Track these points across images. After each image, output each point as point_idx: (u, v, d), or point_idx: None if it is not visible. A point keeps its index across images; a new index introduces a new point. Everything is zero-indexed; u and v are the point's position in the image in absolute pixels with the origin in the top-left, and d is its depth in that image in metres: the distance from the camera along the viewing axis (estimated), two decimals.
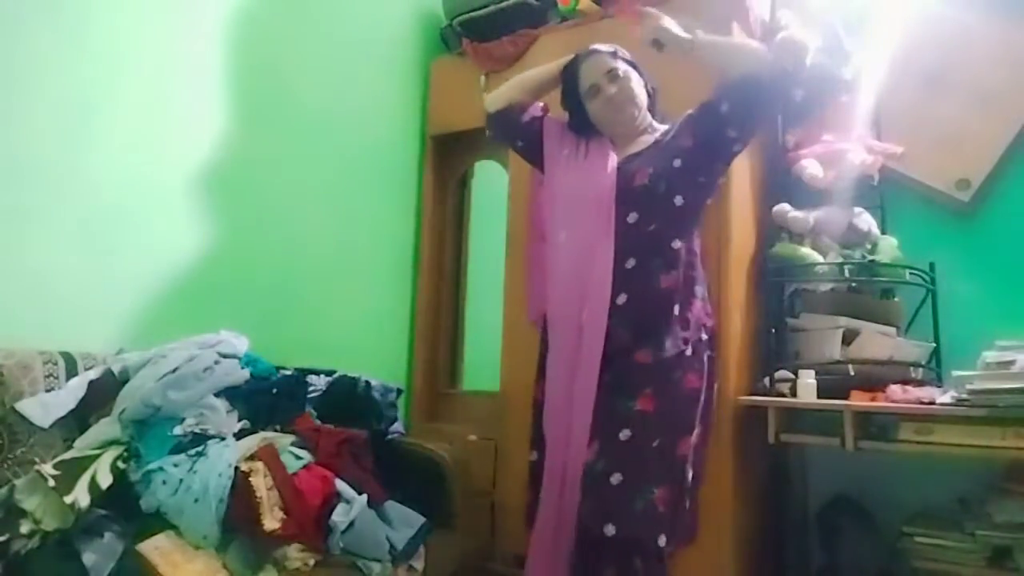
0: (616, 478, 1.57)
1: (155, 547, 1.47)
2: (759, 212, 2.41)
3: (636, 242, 1.68)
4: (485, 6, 2.80)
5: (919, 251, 2.33)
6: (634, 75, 1.83)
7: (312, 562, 1.59)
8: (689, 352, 1.69)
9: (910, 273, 2.29)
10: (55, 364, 1.68)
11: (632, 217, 1.69)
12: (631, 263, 1.68)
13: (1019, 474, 1.94)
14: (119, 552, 1.45)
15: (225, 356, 1.82)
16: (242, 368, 1.83)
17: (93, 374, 1.72)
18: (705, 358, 1.73)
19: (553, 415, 1.73)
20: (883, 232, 2.39)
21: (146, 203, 2.05)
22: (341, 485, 1.71)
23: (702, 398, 1.71)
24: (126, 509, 1.53)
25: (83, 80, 1.92)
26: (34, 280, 1.80)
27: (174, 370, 1.69)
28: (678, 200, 1.70)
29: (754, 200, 2.39)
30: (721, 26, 2.25)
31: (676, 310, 1.68)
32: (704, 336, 1.74)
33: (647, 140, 1.82)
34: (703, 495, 2.09)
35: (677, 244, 1.70)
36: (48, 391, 1.64)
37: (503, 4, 2.76)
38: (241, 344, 1.93)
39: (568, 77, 1.86)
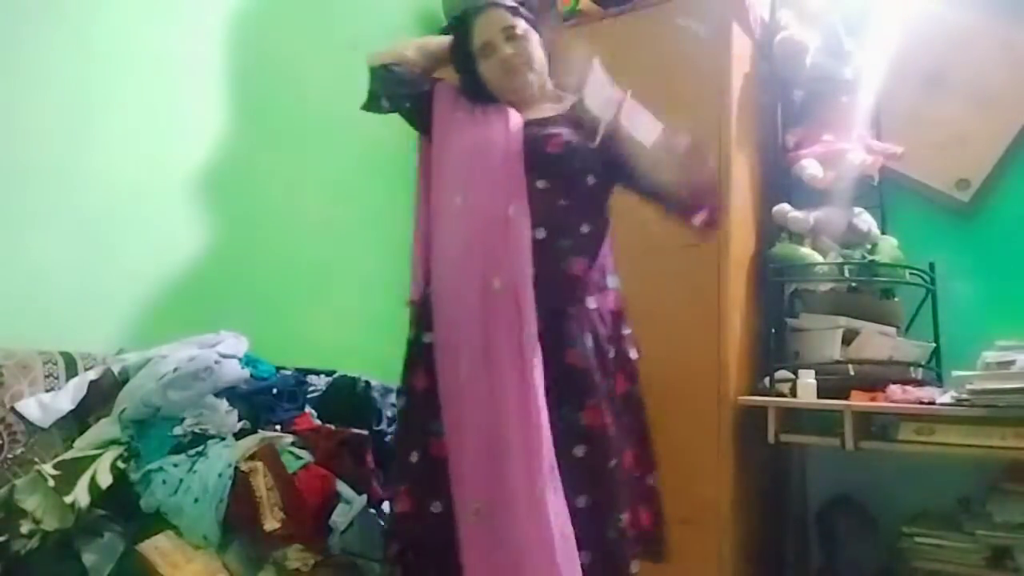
0: (583, 501, 1.41)
1: (155, 547, 1.47)
2: (759, 212, 2.41)
3: (546, 212, 1.48)
4: None
5: (919, 251, 2.33)
6: (534, 37, 1.63)
7: (312, 562, 1.59)
8: (613, 353, 1.53)
9: (910, 273, 2.29)
10: (55, 364, 1.68)
11: (542, 183, 1.50)
12: (541, 234, 1.47)
13: (1019, 474, 1.94)
14: (119, 552, 1.46)
15: (225, 356, 1.81)
16: (242, 368, 1.83)
17: (93, 374, 1.72)
18: (630, 356, 1.57)
19: (458, 409, 1.45)
20: (883, 232, 2.39)
21: (146, 203, 2.05)
22: (341, 485, 1.71)
23: (636, 401, 1.57)
24: (126, 509, 1.53)
25: (83, 80, 1.92)
26: (34, 280, 1.80)
27: (174, 370, 1.69)
28: (590, 179, 1.55)
29: (754, 200, 2.39)
30: (721, 26, 2.27)
31: (591, 303, 1.51)
32: (625, 331, 1.58)
33: (554, 108, 1.63)
34: (704, 494, 2.10)
35: (586, 228, 1.53)
36: (48, 391, 1.64)
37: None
38: (241, 344, 1.93)
39: (459, 30, 1.65)
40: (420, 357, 1.55)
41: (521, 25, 1.61)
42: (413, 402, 1.55)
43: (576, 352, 1.47)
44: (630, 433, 1.54)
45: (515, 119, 1.57)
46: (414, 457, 1.51)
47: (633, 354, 1.58)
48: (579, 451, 1.43)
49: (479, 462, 1.41)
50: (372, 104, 1.70)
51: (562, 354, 1.45)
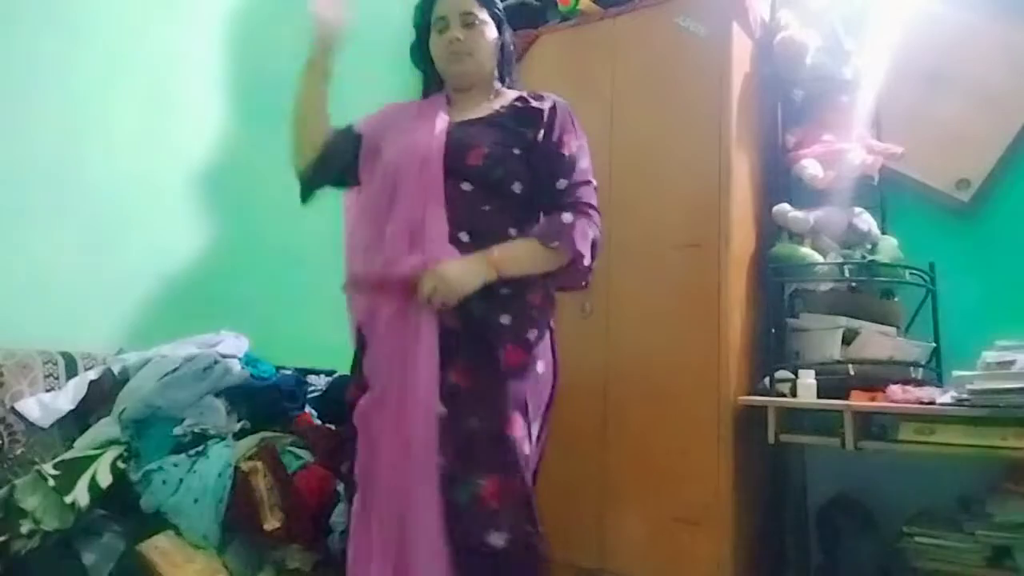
0: (439, 461, 1.37)
1: (155, 547, 1.47)
2: (759, 212, 2.41)
3: (470, 215, 1.48)
4: None
5: (919, 251, 2.33)
6: (491, 31, 1.61)
7: (312, 562, 1.59)
8: (507, 321, 1.47)
9: (910, 273, 2.29)
10: (55, 364, 1.69)
11: (466, 186, 1.50)
12: (464, 237, 1.46)
13: (1019, 474, 1.94)
14: (119, 552, 1.46)
15: (225, 356, 1.82)
16: (242, 368, 1.83)
17: (93, 374, 1.72)
18: (533, 335, 1.50)
19: (369, 422, 1.46)
20: (883, 232, 2.39)
21: (146, 203, 2.05)
22: (341, 485, 1.71)
23: (532, 378, 1.49)
24: (126, 509, 1.54)
25: (83, 80, 1.92)
26: (34, 280, 1.80)
27: (174, 370, 1.69)
28: (516, 187, 1.53)
29: (754, 200, 2.39)
30: (721, 26, 2.27)
31: (505, 288, 1.47)
32: (533, 314, 1.52)
33: (490, 107, 1.61)
34: (704, 494, 2.10)
35: (515, 233, 1.51)
36: (48, 391, 1.65)
37: (503, 3, 2.75)
38: (241, 344, 1.93)
39: None
40: (356, 371, 1.58)
41: (482, 15, 1.60)
42: (349, 414, 1.55)
43: (452, 317, 1.44)
44: (526, 402, 1.48)
45: (441, 122, 1.56)
46: (345, 467, 1.54)
47: (532, 334, 1.51)
48: (439, 411, 1.39)
49: (385, 475, 1.40)
50: (310, 198, 1.76)
51: (441, 318, 1.44)
